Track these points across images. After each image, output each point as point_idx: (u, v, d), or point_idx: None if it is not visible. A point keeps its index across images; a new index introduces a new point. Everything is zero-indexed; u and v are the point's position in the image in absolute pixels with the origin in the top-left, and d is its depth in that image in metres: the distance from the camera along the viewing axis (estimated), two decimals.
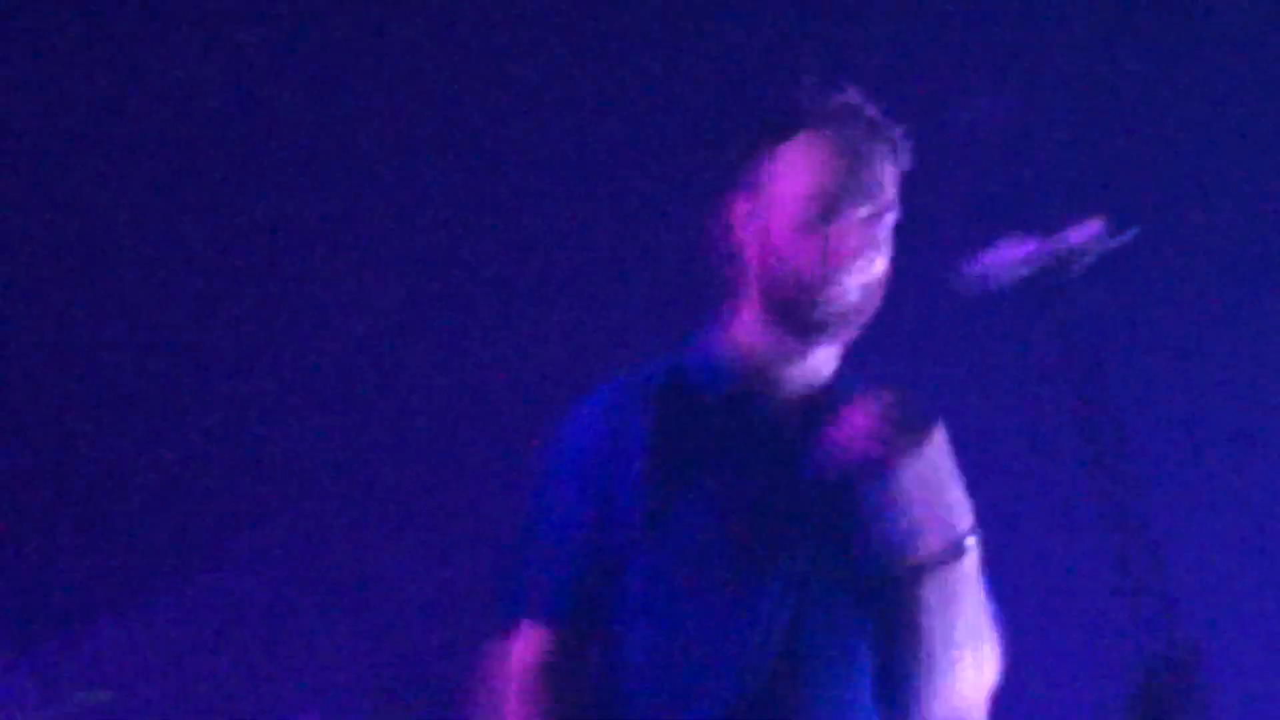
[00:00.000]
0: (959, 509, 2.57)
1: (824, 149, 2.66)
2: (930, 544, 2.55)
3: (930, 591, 2.56)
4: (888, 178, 2.67)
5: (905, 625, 2.59)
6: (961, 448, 2.60)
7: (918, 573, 2.55)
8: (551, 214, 4.90)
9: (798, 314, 2.66)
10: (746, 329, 2.72)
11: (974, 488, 2.61)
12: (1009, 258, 2.54)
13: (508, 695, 2.67)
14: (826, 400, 2.67)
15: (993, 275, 2.55)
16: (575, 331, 4.88)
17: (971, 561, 2.58)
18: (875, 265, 2.64)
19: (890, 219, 2.66)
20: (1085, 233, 2.55)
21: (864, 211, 2.64)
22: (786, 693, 2.59)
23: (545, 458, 2.73)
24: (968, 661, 2.62)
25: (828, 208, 2.63)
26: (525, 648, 2.67)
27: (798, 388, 2.71)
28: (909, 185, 2.69)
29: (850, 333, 2.69)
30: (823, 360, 2.72)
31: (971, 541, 2.58)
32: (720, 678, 2.58)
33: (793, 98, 2.72)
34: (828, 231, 2.63)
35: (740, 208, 2.71)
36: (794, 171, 2.66)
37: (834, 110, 2.69)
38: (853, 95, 2.70)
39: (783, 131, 2.70)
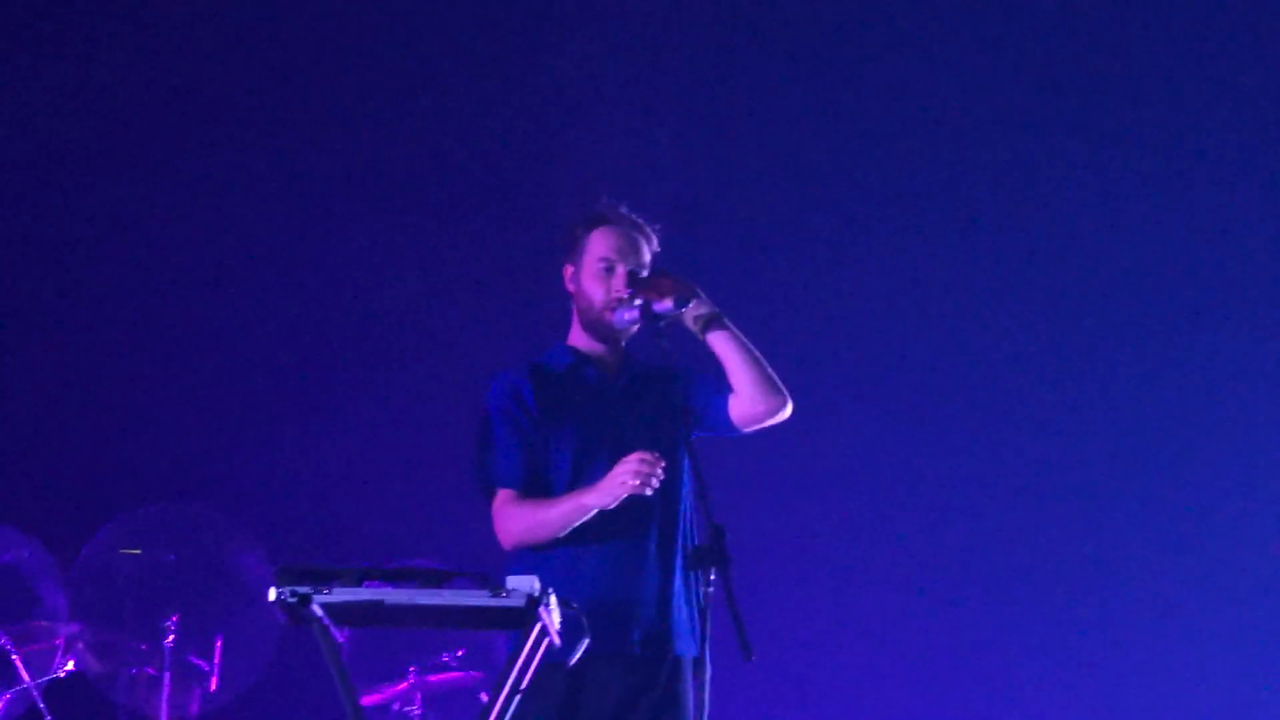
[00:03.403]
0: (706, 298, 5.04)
1: (609, 234, 5.07)
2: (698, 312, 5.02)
3: (720, 340, 5.01)
4: (643, 250, 5.08)
5: (721, 368, 5.04)
6: None
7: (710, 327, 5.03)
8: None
9: (596, 327, 5.07)
10: (574, 336, 5.15)
11: None
12: (628, 316, 4.97)
13: (506, 522, 4.91)
14: (617, 370, 5.12)
15: (624, 320, 5.00)
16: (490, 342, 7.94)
17: (729, 325, 5.02)
18: (635, 299, 4.98)
19: (643, 273, 5.03)
20: (663, 306, 4.90)
21: (630, 266, 5.03)
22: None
23: (485, 407, 5.05)
24: (766, 372, 5.03)
25: (610, 266, 5.03)
26: (504, 500, 4.94)
27: (602, 364, 5.10)
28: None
29: (624, 337, 5.08)
30: (612, 350, 5.11)
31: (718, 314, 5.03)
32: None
33: (594, 208, 5.13)
34: (610, 280, 5.02)
35: (567, 270, 5.13)
36: (593, 247, 5.07)
37: (615, 215, 5.10)
38: (623, 207, 5.11)
39: (589, 225, 5.10)
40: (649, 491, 4.72)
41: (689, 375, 5.11)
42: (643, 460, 4.70)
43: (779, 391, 5.04)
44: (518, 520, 4.89)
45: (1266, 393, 8.24)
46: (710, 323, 5.02)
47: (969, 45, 8.43)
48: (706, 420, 5.10)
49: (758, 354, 5.04)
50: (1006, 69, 8.41)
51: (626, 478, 4.71)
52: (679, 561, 4.95)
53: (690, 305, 4.94)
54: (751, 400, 5.03)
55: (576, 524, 4.83)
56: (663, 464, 4.72)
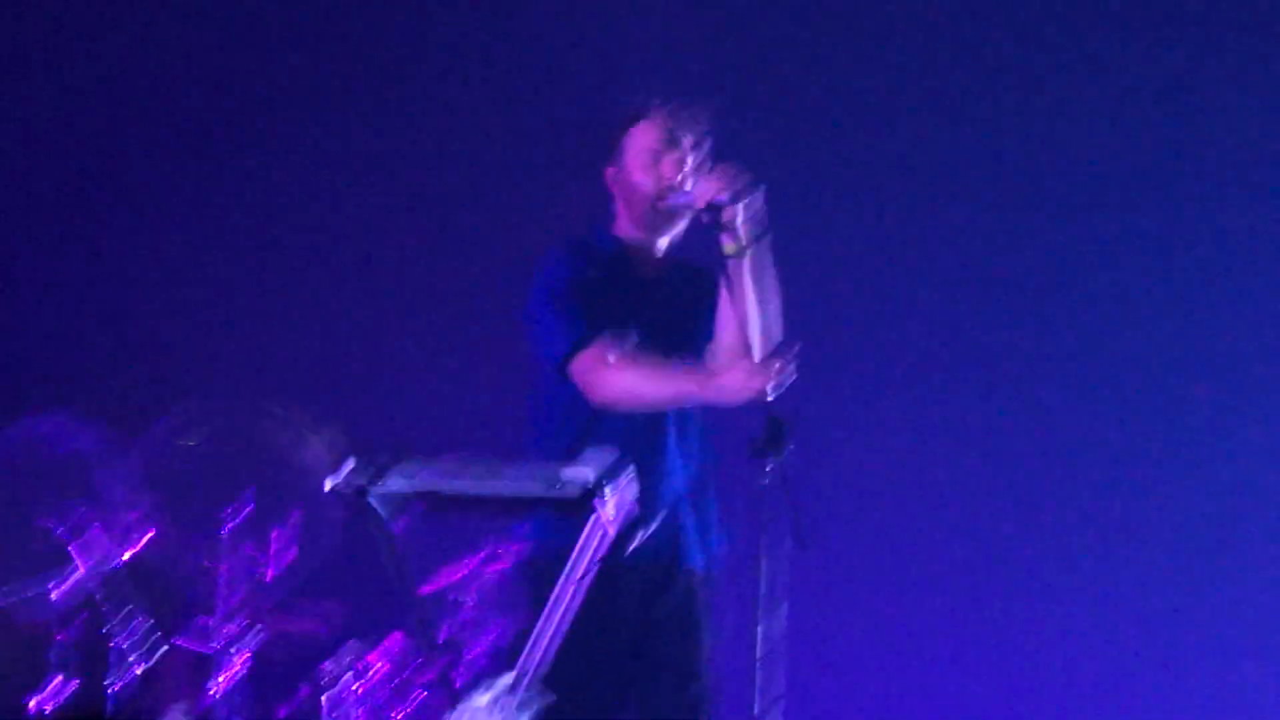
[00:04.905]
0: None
1: (650, 128, 5.13)
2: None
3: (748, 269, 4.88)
4: (687, 138, 5.08)
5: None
6: None
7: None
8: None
9: (648, 218, 5.14)
10: (619, 225, 5.26)
11: None
12: (684, 200, 5.00)
13: (609, 375, 4.91)
14: (657, 264, 5.22)
15: (677, 205, 5.04)
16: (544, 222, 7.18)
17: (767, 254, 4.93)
18: (686, 186, 5.02)
19: (690, 159, 5.07)
20: (719, 197, 4.77)
21: (675, 155, 5.07)
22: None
23: (551, 276, 5.14)
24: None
25: (656, 155, 5.08)
26: (599, 356, 4.95)
27: (645, 256, 5.22)
28: None
29: (670, 230, 5.18)
30: (656, 245, 5.22)
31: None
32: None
33: (632, 104, 5.22)
34: (658, 167, 5.07)
35: (610, 171, 5.23)
36: (637, 140, 5.13)
37: (651, 109, 5.15)
38: (662, 99, 5.12)
39: (630, 121, 5.18)
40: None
41: (716, 293, 5.08)
42: (782, 368, 4.60)
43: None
44: (625, 377, 4.88)
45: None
46: (745, 247, 4.89)
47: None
48: None
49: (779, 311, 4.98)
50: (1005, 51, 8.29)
51: (756, 382, 4.57)
52: (689, 466, 4.99)
53: (747, 201, 4.83)
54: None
55: (665, 407, 4.94)
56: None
